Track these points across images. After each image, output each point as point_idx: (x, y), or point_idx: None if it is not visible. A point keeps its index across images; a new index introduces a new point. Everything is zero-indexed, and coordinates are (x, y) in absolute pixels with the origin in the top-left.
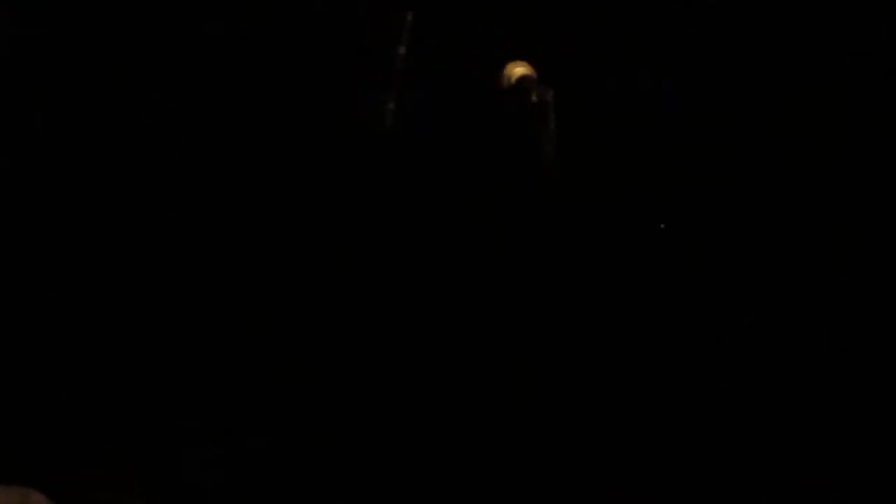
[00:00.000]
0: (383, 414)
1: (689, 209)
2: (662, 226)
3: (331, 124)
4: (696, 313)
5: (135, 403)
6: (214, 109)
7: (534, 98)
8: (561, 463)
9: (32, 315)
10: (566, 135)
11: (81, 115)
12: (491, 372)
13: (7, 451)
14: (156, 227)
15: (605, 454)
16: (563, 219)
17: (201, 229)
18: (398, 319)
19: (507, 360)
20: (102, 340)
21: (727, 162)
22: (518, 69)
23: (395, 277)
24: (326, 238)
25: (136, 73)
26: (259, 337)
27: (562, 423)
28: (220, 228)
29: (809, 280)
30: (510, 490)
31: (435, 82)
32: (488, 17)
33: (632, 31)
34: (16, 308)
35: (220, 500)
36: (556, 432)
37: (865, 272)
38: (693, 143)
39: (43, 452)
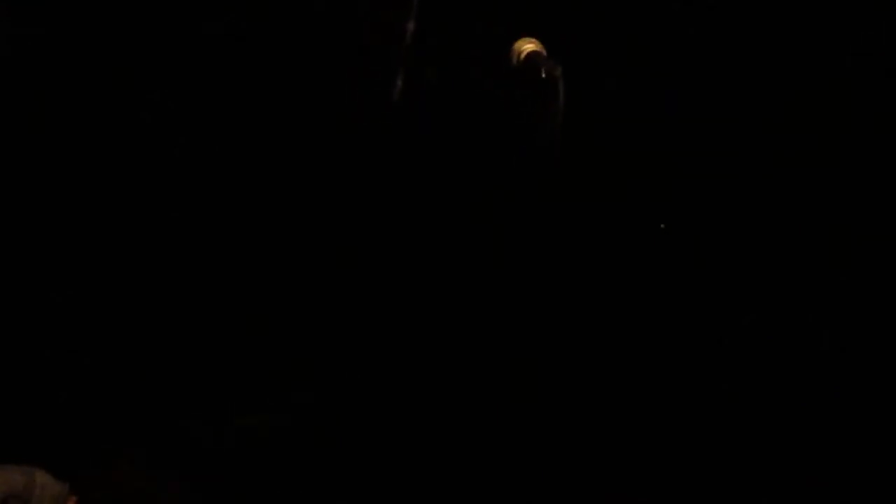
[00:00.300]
0: (379, 410)
1: (689, 209)
2: (662, 226)
3: (335, 108)
4: (695, 313)
5: (139, 387)
6: (214, 108)
7: (543, 74)
8: (561, 463)
9: (43, 293)
10: (566, 135)
11: (81, 114)
12: (488, 361)
13: (13, 432)
14: (160, 224)
15: (605, 454)
16: (564, 218)
17: (206, 223)
18: (401, 302)
19: (505, 350)
20: (109, 325)
21: (727, 162)
22: (527, 45)
23: (398, 265)
24: (329, 224)
25: (136, 73)
26: (258, 335)
27: (561, 421)
28: (226, 217)
29: (809, 280)
30: (510, 490)
31: (444, 58)
32: None
33: (633, 30)
34: (23, 282)
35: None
36: (556, 431)
37: (865, 272)
38: (693, 143)
39: (49, 431)
